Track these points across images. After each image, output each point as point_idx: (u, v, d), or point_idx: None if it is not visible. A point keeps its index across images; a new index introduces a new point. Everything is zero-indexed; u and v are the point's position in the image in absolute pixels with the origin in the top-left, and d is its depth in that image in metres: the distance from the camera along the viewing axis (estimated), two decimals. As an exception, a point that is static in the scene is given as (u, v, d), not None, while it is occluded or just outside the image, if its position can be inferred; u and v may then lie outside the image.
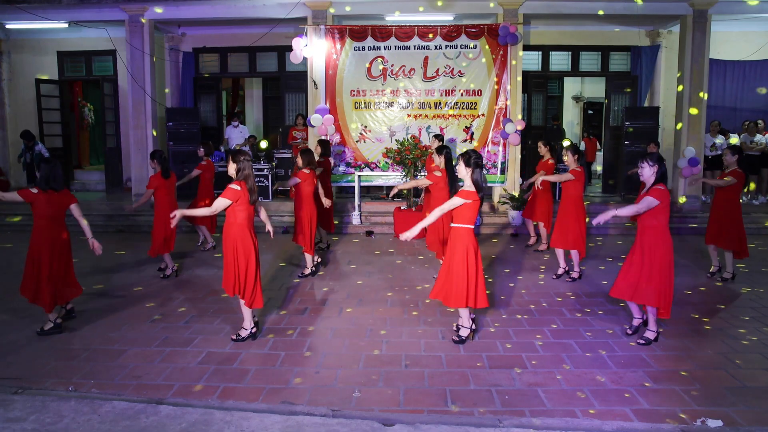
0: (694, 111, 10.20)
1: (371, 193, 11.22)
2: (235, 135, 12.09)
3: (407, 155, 9.52)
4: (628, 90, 11.69)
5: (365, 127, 10.43)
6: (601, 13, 9.67)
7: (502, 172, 10.31)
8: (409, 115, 10.39)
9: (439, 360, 4.48)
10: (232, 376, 4.20)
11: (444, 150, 6.44)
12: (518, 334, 5.02)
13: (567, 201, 6.59)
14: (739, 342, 4.84)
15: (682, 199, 10.23)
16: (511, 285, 6.54)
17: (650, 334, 4.81)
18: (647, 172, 4.67)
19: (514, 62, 10.11)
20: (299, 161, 6.78)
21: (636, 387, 4.01)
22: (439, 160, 6.45)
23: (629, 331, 4.95)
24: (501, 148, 10.27)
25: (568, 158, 6.58)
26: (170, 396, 3.89)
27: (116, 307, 5.76)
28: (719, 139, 10.93)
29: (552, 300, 5.99)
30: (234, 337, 4.87)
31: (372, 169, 10.44)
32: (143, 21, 10.52)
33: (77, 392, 3.94)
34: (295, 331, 5.09)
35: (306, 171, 6.71)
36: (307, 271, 6.90)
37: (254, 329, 4.92)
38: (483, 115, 10.27)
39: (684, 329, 5.10)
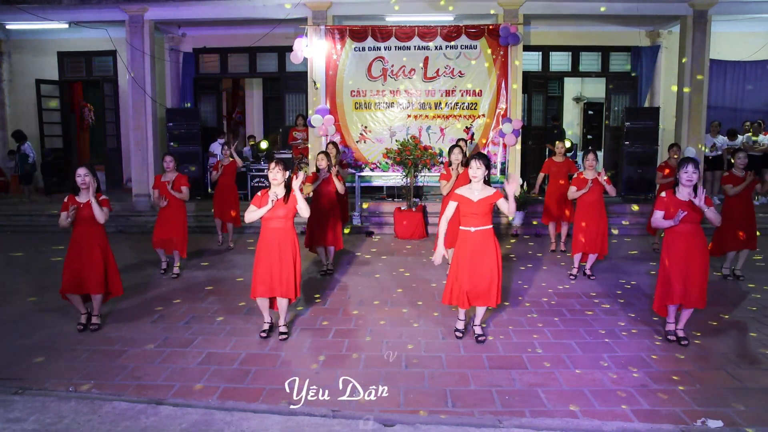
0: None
1: (371, 193, 11.23)
2: (217, 150, 12.02)
3: (407, 156, 9.52)
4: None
5: (365, 127, 10.44)
6: (603, 10, 9.53)
7: (503, 172, 10.31)
8: (409, 116, 10.40)
9: (439, 360, 4.48)
10: (232, 376, 4.20)
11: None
12: (518, 334, 5.02)
13: (592, 205, 6.56)
14: (739, 342, 4.84)
15: None
16: (512, 285, 6.54)
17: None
18: (697, 176, 4.58)
19: (514, 63, 10.12)
20: (323, 163, 6.71)
21: (636, 387, 4.01)
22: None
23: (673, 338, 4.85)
24: (501, 149, 10.27)
25: (589, 162, 6.59)
26: (170, 396, 3.89)
27: (116, 307, 5.76)
28: (719, 140, 10.94)
29: (553, 300, 5.99)
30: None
31: (372, 170, 10.45)
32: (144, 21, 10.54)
33: (77, 393, 3.94)
34: (295, 332, 5.09)
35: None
36: (330, 267, 7.13)
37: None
38: (483, 115, 10.28)
39: (684, 329, 5.09)
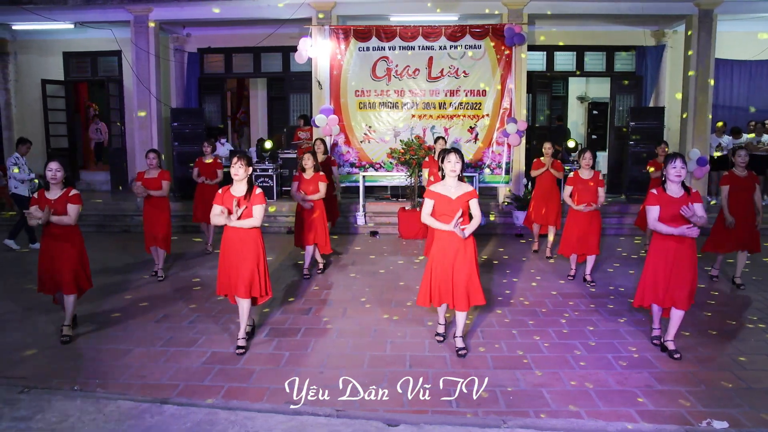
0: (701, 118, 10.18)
1: (375, 193, 11.22)
2: (221, 151, 12.08)
3: (412, 155, 9.50)
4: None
5: (370, 127, 10.44)
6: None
7: (507, 172, 10.29)
8: (413, 116, 10.39)
9: (443, 360, 4.47)
10: (236, 376, 4.21)
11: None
12: (523, 335, 5.01)
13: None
14: (744, 343, 4.81)
15: None
16: (516, 286, 6.53)
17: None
18: (685, 172, 4.45)
19: (518, 63, 10.09)
20: (309, 162, 6.73)
21: (641, 388, 3.99)
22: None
23: (657, 342, 4.75)
24: (505, 149, 10.25)
25: (587, 161, 6.39)
26: (175, 396, 3.90)
27: (121, 307, 5.78)
28: (725, 140, 10.88)
29: (556, 301, 5.97)
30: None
31: (376, 170, 10.45)
32: (150, 24, 10.57)
33: (82, 391, 3.96)
34: (299, 332, 5.09)
35: (321, 173, 6.84)
36: (321, 266, 7.17)
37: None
38: (487, 115, 10.26)
39: (689, 330, 5.07)
